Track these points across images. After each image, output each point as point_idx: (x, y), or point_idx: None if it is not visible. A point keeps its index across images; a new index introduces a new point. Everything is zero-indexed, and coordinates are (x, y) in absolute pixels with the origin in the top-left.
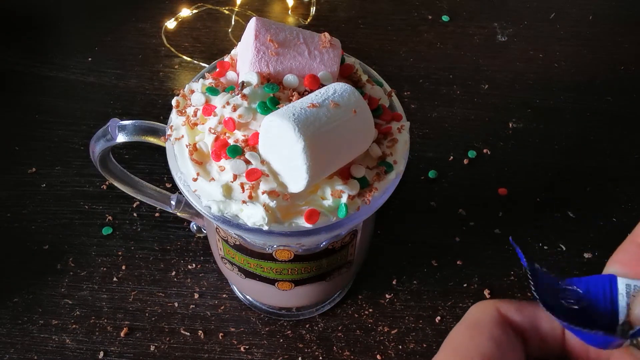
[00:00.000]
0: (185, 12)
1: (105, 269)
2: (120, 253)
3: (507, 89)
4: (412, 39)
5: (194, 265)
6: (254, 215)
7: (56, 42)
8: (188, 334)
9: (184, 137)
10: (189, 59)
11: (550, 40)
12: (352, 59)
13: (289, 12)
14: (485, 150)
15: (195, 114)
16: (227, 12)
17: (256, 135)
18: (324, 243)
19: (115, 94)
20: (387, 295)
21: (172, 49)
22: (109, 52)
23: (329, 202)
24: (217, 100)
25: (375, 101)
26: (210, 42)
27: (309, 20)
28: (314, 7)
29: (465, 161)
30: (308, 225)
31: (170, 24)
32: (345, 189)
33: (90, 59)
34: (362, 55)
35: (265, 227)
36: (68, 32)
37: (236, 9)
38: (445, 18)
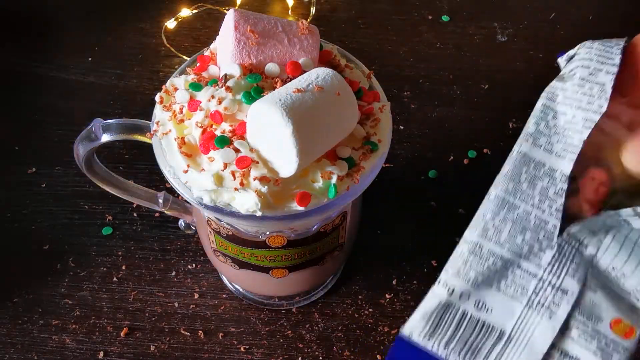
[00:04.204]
0: (185, 12)
1: (105, 269)
2: (120, 253)
3: (507, 89)
4: (412, 39)
5: (194, 265)
6: (246, 202)
7: (56, 42)
8: (188, 334)
9: (171, 131)
10: (188, 59)
11: (550, 40)
12: (330, 45)
13: (289, 12)
14: (485, 150)
15: (181, 111)
16: (227, 12)
17: (243, 124)
18: (315, 226)
19: (115, 94)
20: (387, 295)
21: (172, 49)
22: (109, 52)
23: (319, 184)
24: (202, 95)
25: (356, 84)
26: (211, 42)
27: (309, 20)
28: (314, 7)
29: (465, 161)
30: (300, 208)
31: (170, 24)
32: (334, 170)
33: (90, 59)
34: (362, 55)
35: (259, 213)
36: (68, 32)
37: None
38: (445, 18)
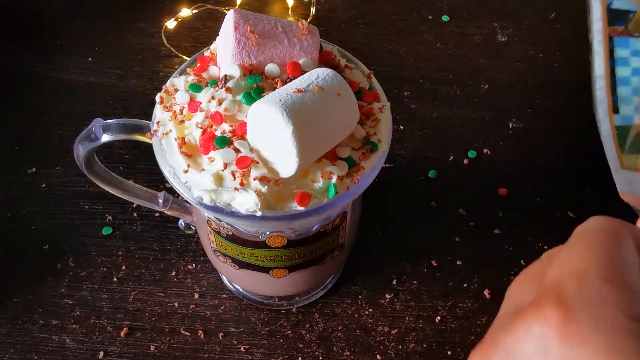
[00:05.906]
0: (185, 12)
1: (105, 269)
2: (120, 253)
3: (507, 89)
4: (412, 39)
5: (194, 265)
6: (246, 202)
7: (56, 42)
8: (188, 334)
9: (171, 131)
10: (188, 59)
11: (550, 40)
12: (330, 45)
13: (289, 12)
14: (485, 150)
15: (181, 112)
16: (227, 12)
17: (243, 125)
18: (315, 226)
19: (115, 94)
20: (387, 295)
21: (172, 49)
22: (109, 52)
23: (319, 184)
24: (202, 96)
25: (356, 84)
26: (210, 42)
27: (309, 20)
28: (314, 7)
29: (465, 161)
30: (300, 208)
31: (170, 24)
32: (334, 170)
33: (90, 59)
34: (362, 55)
35: (259, 213)
36: (68, 32)
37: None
38: (445, 18)
